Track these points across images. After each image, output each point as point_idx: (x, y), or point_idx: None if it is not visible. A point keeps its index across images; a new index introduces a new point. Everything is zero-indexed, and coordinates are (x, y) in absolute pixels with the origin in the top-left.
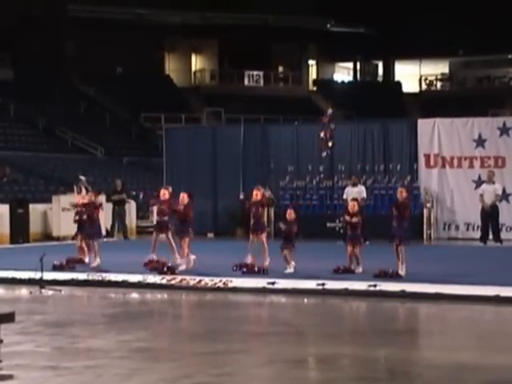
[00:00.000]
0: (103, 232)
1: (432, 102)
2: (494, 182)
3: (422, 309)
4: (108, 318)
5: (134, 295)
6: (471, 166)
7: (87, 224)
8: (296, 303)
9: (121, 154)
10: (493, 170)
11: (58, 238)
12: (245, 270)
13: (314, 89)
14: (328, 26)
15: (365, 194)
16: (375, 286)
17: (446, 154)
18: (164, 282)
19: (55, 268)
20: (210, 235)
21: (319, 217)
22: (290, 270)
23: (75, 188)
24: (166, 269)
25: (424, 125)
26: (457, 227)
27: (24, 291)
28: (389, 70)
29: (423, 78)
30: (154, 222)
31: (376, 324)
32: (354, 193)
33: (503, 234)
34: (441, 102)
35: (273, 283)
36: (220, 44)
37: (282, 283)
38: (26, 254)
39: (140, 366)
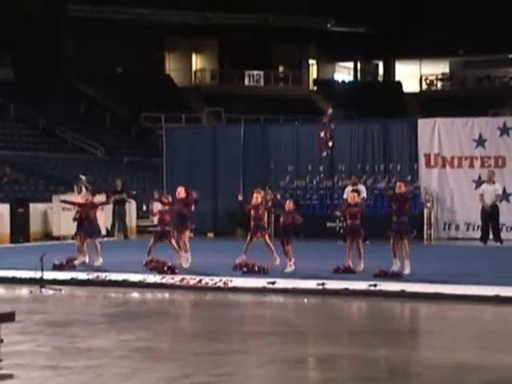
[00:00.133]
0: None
1: (432, 102)
2: (494, 182)
3: (422, 309)
4: (108, 317)
5: (135, 295)
6: (471, 165)
7: (85, 223)
8: (296, 303)
9: (121, 153)
10: (493, 170)
11: (58, 238)
12: (245, 269)
13: (315, 89)
14: (328, 25)
15: (365, 194)
16: (375, 285)
17: (446, 154)
18: (164, 281)
19: (55, 267)
20: (210, 235)
21: (319, 217)
22: (290, 268)
23: (75, 188)
24: (166, 268)
25: (424, 125)
26: (457, 227)
27: (24, 291)
28: (389, 70)
29: (423, 78)
30: (155, 222)
31: (376, 324)
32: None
33: (503, 234)
34: (441, 101)
35: (273, 283)
36: (220, 44)
37: (282, 283)
38: (27, 253)
39: (140, 365)
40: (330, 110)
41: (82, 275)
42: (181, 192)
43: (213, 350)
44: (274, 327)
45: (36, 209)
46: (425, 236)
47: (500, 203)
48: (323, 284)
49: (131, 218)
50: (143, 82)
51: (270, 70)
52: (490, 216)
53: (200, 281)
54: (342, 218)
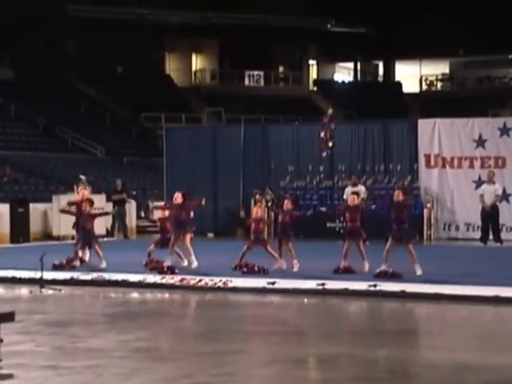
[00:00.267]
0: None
1: (432, 103)
2: (494, 183)
3: (422, 309)
4: (108, 317)
5: (134, 295)
6: (471, 166)
7: (83, 233)
8: (296, 303)
9: (121, 153)
10: (493, 171)
11: (58, 238)
12: (245, 269)
13: (315, 89)
14: (328, 26)
15: (365, 194)
16: (375, 286)
17: (446, 155)
18: (164, 281)
19: (55, 267)
20: (210, 235)
21: (319, 217)
22: (296, 268)
23: (75, 188)
24: (166, 268)
25: (424, 125)
26: (457, 227)
27: (24, 290)
28: (389, 70)
29: (423, 78)
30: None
31: (376, 324)
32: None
33: (503, 235)
34: (441, 102)
35: (273, 283)
36: (220, 44)
37: (282, 283)
38: (26, 253)
39: (140, 365)
40: (330, 111)
41: (81, 275)
42: (177, 197)
43: (213, 350)
44: (274, 327)
45: (36, 209)
46: (425, 236)
47: (500, 204)
48: (323, 284)
49: (131, 218)
50: (143, 82)
51: (270, 70)
52: (490, 216)
53: (200, 281)
54: (342, 219)
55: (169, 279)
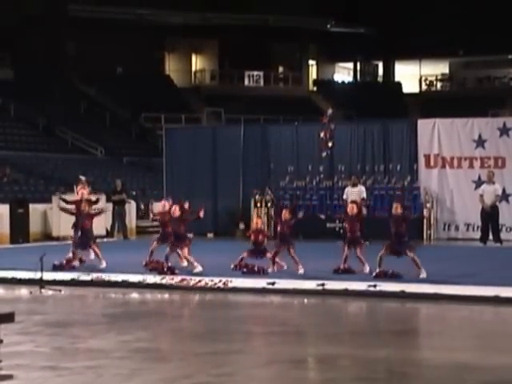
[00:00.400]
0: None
1: (432, 103)
2: (493, 183)
3: (422, 309)
4: (108, 318)
5: (134, 295)
6: (471, 166)
7: (81, 234)
8: (296, 303)
9: (121, 154)
10: (493, 171)
11: (57, 238)
12: (245, 270)
13: (314, 89)
14: (328, 26)
15: (365, 195)
16: (375, 286)
17: (445, 155)
18: (164, 282)
19: (55, 268)
20: (210, 235)
21: (319, 217)
22: (302, 270)
23: (75, 188)
24: (166, 269)
25: (424, 125)
26: (457, 227)
27: (24, 291)
28: (389, 71)
29: (423, 79)
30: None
31: (376, 324)
32: (354, 193)
33: (503, 235)
34: (441, 102)
35: (273, 283)
36: (220, 44)
37: (281, 283)
38: (26, 253)
39: (140, 366)
40: (329, 111)
41: (81, 276)
42: (175, 211)
43: (213, 351)
44: (273, 327)
45: (36, 209)
46: (424, 236)
47: (500, 204)
48: (323, 284)
49: (131, 219)
50: (143, 82)
51: (269, 70)
52: (490, 216)
53: (200, 281)
54: (341, 219)
55: (169, 280)
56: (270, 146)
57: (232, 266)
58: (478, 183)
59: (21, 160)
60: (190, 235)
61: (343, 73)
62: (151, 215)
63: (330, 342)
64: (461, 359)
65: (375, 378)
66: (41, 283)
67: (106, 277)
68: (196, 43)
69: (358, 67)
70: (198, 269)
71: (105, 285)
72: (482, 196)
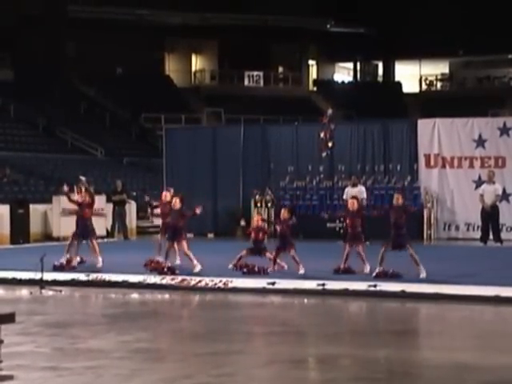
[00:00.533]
0: (103, 232)
1: (432, 102)
2: (494, 182)
3: (422, 309)
4: (108, 318)
5: (135, 296)
6: (471, 166)
7: (79, 223)
8: (296, 303)
9: (121, 154)
10: (493, 170)
11: (58, 239)
12: (245, 270)
13: (314, 89)
14: (328, 26)
15: (365, 195)
16: (375, 286)
17: (446, 154)
18: (164, 282)
19: (55, 268)
20: (210, 235)
21: (319, 217)
22: (302, 270)
23: (75, 188)
24: (166, 269)
25: (424, 125)
26: (457, 227)
27: (24, 292)
28: (389, 70)
29: (423, 78)
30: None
31: (376, 324)
32: (354, 193)
33: (503, 234)
34: (441, 102)
35: (273, 283)
36: (220, 44)
37: (282, 283)
38: (27, 254)
39: (140, 366)
40: (329, 111)
41: (82, 276)
42: (176, 203)
43: (213, 351)
44: (274, 327)
45: (36, 210)
46: (425, 236)
47: (500, 203)
48: (323, 284)
49: (131, 219)
50: (143, 82)
51: (269, 70)
52: (490, 216)
53: (200, 281)
54: (341, 219)
55: (169, 280)
56: (270, 146)
57: (231, 266)
58: (479, 183)
59: (21, 160)
60: (190, 235)
61: (343, 73)
62: (149, 210)
63: (331, 342)
64: (461, 359)
65: (375, 378)
66: (41, 284)
67: (106, 277)
68: (196, 43)
69: (358, 67)
70: (198, 268)
71: (105, 285)
72: (482, 196)
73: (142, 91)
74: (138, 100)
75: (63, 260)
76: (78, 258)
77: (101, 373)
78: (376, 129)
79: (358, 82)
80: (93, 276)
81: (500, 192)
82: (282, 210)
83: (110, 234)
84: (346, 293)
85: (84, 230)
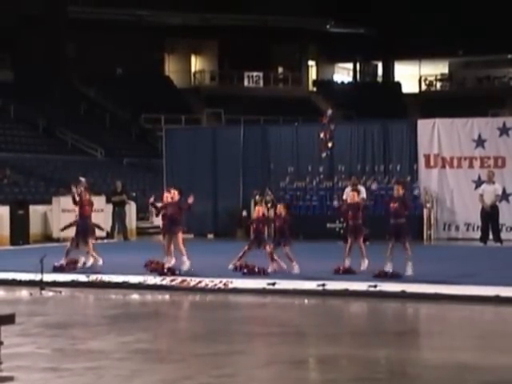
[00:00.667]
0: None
1: (432, 103)
2: (493, 182)
3: (422, 309)
4: (108, 319)
5: (135, 296)
6: (471, 166)
7: (79, 222)
8: (296, 304)
9: (121, 155)
10: (493, 170)
11: (58, 240)
12: (245, 271)
13: (314, 89)
14: (328, 26)
15: (365, 195)
16: (375, 286)
17: (445, 155)
18: (164, 283)
19: (55, 269)
20: (210, 236)
21: (319, 217)
22: (296, 269)
23: (75, 189)
24: (166, 270)
25: (424, 125)
26: (457, 227)
27: (24, 293)
28: (388, 71)
29: (423, 79)
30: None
31: (376, 324)
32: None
33: (503, 234)
34: (441, 102)
35: (273, 284)
36: (220, 45)
37: (282, 284)
38: (27, 255)
39: (140, 367)
40: (329, 111)
41: (82, 277)
42: (174, 195)
43: (213, 351)
44: (274, 328)
45: (36, 211)
46: (425, 236)
47: (500, 203)
48: (323, 285)
49: (131, 220)
50: (143, 83)
51: (269, 70)
52: (490, 216)
53: (200, 282)
54: (342, 219)
55: (169, 281)
56: (270, 146)
57: (231, 266)
58: (478, 183)
59: (21, 161)
60: (190, 236)
61: (343, 73)
62: (155, 211)
63: (331, 343)
64: (461, 359)
65: (376, 379)
66: (41, 285)
67: (106, 278)
68: (195, 44)
69: (358, 67)
70: (186, 265)
71: (105, 286)
72: (482, 196)
73: (142, 92)
74: (137, 101)
75: (63, 261)
76: (83, 259)
77: (101, 374)
78: (376, 129)
79: (358, 83)
80: (93, 277)
81: (500, 192)
82: (278, 206)
83: (109, 235)
84: (346, 293)
85: (84, 229)
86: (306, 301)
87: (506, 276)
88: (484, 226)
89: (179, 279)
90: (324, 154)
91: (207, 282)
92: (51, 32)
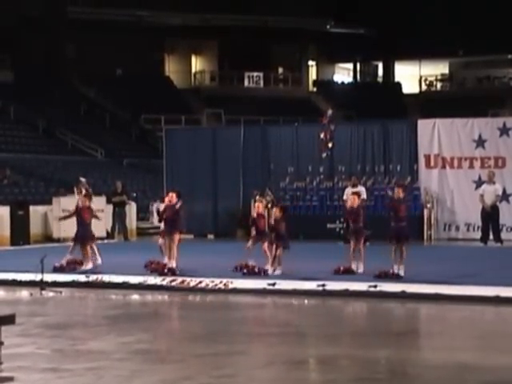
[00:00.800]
0: (103, 233)
1: (432, 103)
2: (494, 183)
3: (423, 309)
4: (108, 319)
5: (135, 297)
6: (471, 166)
7: (79, 228)
8: (296, 304)
9: (121, 155)
10: (493, 171)
11: (58, 240)
12: (245, 271)
13: (314, 90)
14: (328, 26)
15: (365, 195)
16: (375, 286)
17: (446, 155)
18: (164, 283)
19: (56, 270)
20: (210, 236)
21: (319, 218)
22: (278, 272)
23: (75, 190)
24: (166, 270)
25: (424, 125)
26: (457, 228)
27: (24, 293)
28: (389, 71)
29: (423, 79)
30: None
31: (376, 325)
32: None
33: (503, 235)
34: (441, 102)
35: (273, 284)
36: (220, 45)
37: (282, 284)
38: (27, 255)
39: (141, 367)
40: (329, 111)
41: (82, 277)
42: (172, 198)
43: (213, 352)
44: (274, 328)
45: (36, 211)
46: (425, 237)
47: (500, 204)
48: (323, 285)
49: (131, 220)
50: (143, 83)
51: (269, 71)
52: (490, 216)
53: (200, 282)
54: (342, 219)
55: (169, 281)
56: (270, 146)
57: (239, 266)
58: (479, 183)
59: (21, 162)
60: (190, 236)
61: (343, 73)
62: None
63: (331, 343)
64: (461, 359)
65: (376, 379)
66: (41, 285)
67: (106, 278)
68: (195, 44)
69: (358, 68)
70: (172, 264)
71: (105, 286)
72: (482, 196)
73: (142, 92)
74: (137, 101)
75: (63, 261)
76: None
77: (101, 374)
78: (376, 129)
79: (358, 83)
80: (93, 277)
81: (500, 192)
82: (274, 209)
83: (110, 235)
84: (346, 293)
85: (83, 236)
86: (305, 301)
87: (506, 276)
88: (484, 227)
89: (179, 279)
90: (324, 155)
91: (207, 282)
92: (51, 32)
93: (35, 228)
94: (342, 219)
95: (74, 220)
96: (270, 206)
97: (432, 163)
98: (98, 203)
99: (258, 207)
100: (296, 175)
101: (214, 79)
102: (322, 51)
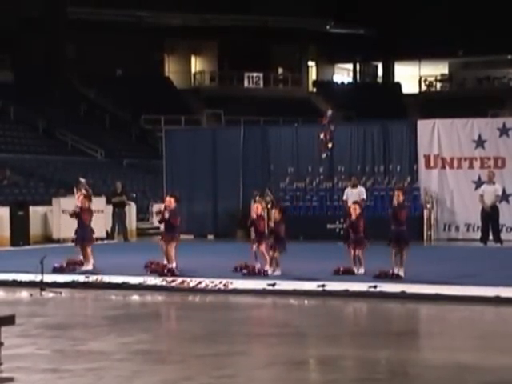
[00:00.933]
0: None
1: (432, 103)
2: (494, 183)
3: (423, 310)
4: (108, 320)
5: (135, 297)
6: (471, 166)
7: (78, 229)
8: (296, 304)
9: (121, 156)
10: (493, 171)
11: (58, 241)
12: (245, 271)
13: (314, 90)
14: (327, 27)
15: (365, 196)
16: (375, 287)
17: (445, 155)
18: (164, 283)
19: (55, 270)
20: (210, 237)
21: (319, 218)
22: (277, 273)
23: (75, 190)
24: (166, 271)
25: (424, 126)
26: (457, 228)
27: (24, 294)
28: (388, 71)
29: (423, 79)
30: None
31: (376, 325)
32: (354, 194)
33: (503, 235)
34: (440, 102)
35: (273, 285)
36: (220, 46)
37: (282, 285)
38: (27, 256)
39: (141, 368)
40: (329, 112)
41: (82, 278)
42: (170, 203)
43: (213, 352)
44: (274, 329)
45: (36, 212)
46: (425, 237)
47: (500, 204)
48: (323, 285)
49: (131, 221)
50: (143, 84)
51: (269, 71)
52: (490, 217)
53: (200, 283)
54: (342, 220)
55: (169, 281)
56: (270, 147)
57: (234, 268)
58: (478, 183)
59: (21, 162)
60: (190, 236)
61: (343, 74)
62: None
63: (331, 343)
64: (461, 360)
65: (376, 379)
66: (41, 285)
67: (106, 279)
68: (195, 45)
69: (358, 68)
70: (172, 265)
71: (105, 287)
72: (482, 196)
73: (142, 93)
74: (137, 101)
75: (63, 262)
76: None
77: (101, 375)
78: (376, 130)
79: (358, 83)
80: (93, 278)
81: (500, 192)
82: (273, 211)
83: (109, 236)
84: (346, 294)
85: (82, 237)
86: (306, 301)
87: (506, 276)
88: (484, 227)
89: (179, 280)
90: (324, 155)
91: (207, 282)
92: (51, 33)
93: (35, 228)
94: (341, 219)
95: (73, 220)
96: (269, 206)
97: (432, 163)
98: (98, 204)
99: (257, 208)
100: (296, 176)
101: (213, 79)
102: (321, 51)
